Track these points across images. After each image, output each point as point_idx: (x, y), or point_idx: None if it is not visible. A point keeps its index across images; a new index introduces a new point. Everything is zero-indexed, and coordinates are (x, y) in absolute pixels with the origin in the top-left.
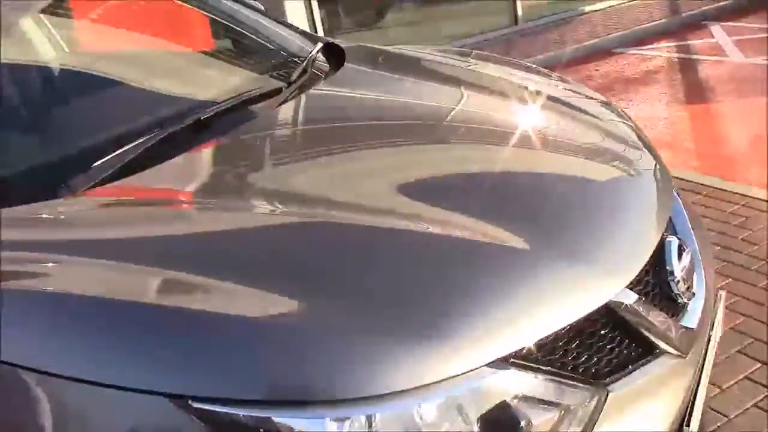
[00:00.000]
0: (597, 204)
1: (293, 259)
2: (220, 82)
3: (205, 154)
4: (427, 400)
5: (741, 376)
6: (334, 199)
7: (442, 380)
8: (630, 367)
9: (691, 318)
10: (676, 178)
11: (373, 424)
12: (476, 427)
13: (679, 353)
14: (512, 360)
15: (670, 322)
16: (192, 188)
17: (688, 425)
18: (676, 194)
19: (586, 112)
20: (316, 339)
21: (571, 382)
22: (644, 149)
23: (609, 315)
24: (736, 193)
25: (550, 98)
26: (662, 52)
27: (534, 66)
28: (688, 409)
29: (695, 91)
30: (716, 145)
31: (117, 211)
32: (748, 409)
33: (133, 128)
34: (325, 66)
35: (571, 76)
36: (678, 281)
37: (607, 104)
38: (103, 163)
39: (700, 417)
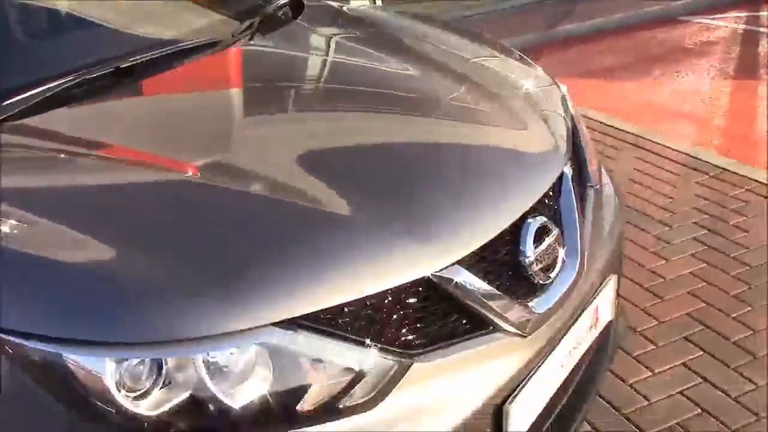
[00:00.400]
0: (452, 178)
1: (117, 208)
2: (167, 27)
3: (114, 100)
4: (213, 350)
5: (677, 362)
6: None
7: (227, 333)
8: (446, 341)
9: (544, 301)
10: (686, 155)
11: (163, 370)
12: (264, 383)
13: (518, 332)
14: (305, 322)
15: (510, 301)
16: (78, 134)
17: (510, 403)
18: (593, 172)
19: (502, 88)
20: (112, 284)
21: (366, 349)
22: (548, 130)
23: (432, 289)
24: (743, 176)
25: (473, 71)
26: (729, 22)
27: (500, 44)
28: (518, 387)
29: (748, 66)
30: (744, 125)
31: None
32: (673, 395)
33: (57, 69)
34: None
35: (626, 43)
36: (531, 263)
37: (544, 84)
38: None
39: (547, 397)
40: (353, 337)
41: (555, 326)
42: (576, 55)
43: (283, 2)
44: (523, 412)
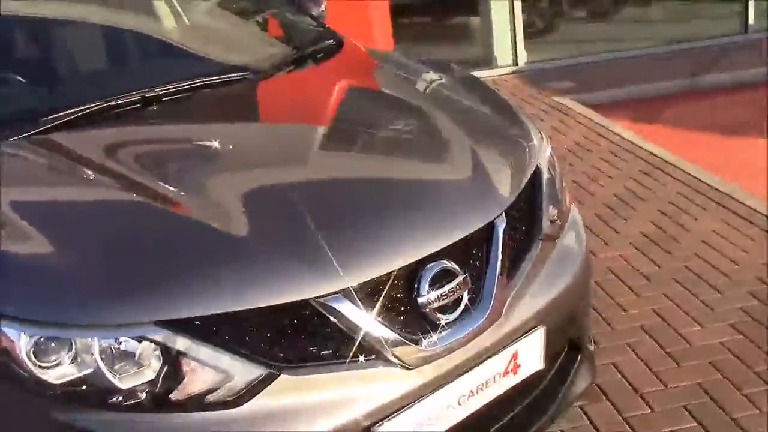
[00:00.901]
0: (366, 214)
1: (78, 217)
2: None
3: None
4: (103, 337)
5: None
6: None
7: (115, 324)
8: (321, 360)
9: (438, 340)
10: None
11: (73, 349)
12: (149, 372)
13: (401, 364)
14: (186, 325)
15: (397, 335)
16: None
17: (378, 427)
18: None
19: (462, 136)
20: (41, 274)
21: (237, 356)
22: (488, 182)
23: (313, 312)
24: None
25: (444, 117)
26: None
27: (493, 93)
28: (390, 415)
29: None
30: None
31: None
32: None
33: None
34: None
35: None
36: (425, 304)
37: (517, 134)
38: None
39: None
40: (228, 344)
41: (448, 365)
42: (712, 106)
43: (321, 46)
44: None
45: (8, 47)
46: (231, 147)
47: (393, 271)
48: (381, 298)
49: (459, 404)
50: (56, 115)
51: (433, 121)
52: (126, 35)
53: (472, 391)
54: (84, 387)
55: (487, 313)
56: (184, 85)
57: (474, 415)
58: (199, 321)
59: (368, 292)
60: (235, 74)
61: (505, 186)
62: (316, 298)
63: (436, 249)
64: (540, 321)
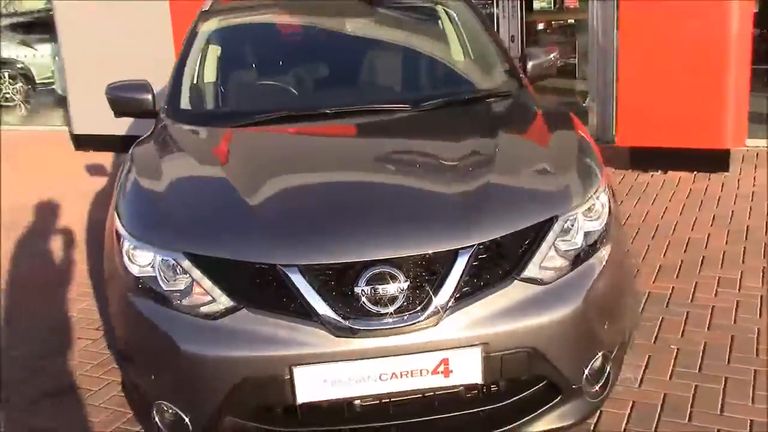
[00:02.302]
0: (354, 211)
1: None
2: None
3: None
4: (156, 253)
5: None
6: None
7: (162, 247)
8: (271, 308)
9: (368, 323)
10: None
11: (150, 256)
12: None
13: (329, 331)
14: (196, 259)
15: (333, 310)
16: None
17: (297, 367)
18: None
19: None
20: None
21: (221, 290)
22: (465, 213)
23: (277, 274)
24: None
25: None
26: None
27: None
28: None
29: None
30: None
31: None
32: None
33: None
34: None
35: None
36: (359, 295)
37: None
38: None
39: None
40: (219, 280)
41: (372, 345)
42: None
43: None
44: (312, 379)
45: (263, 59)
46: (335, 153)
47: (345, 262)
48: (327, 279)
49: (380, 379)
50: (264, 115)
51: (481, 153)
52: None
53: (395, 374)
54: (147, 281)
55: (421, 319)
56: (362, 107)
57: (400, 397)
58: (205, 259)
59: (318, 271)
60: (399, 105)
61: (486, 227)
62: (282, 264)
63: (387, 257)
64: (480, 343)
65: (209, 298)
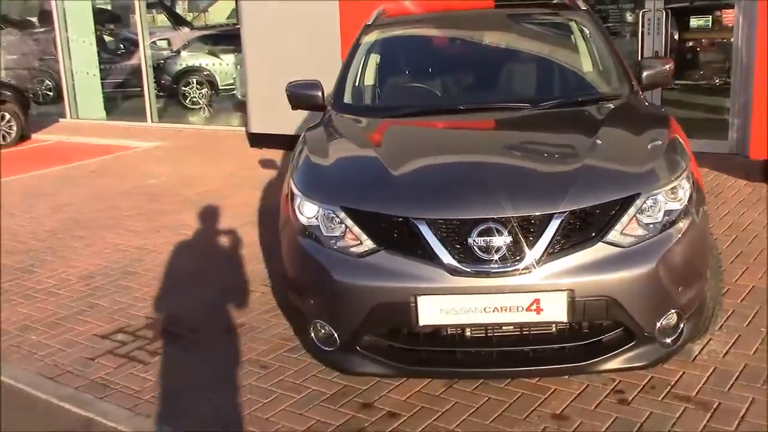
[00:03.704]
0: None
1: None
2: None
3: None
4: (319, 207)
5: None
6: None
7: (324, 202)
8: (404, 251)
9: (476, 266)
10: None
11: (315, 209)
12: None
13: (446, 271)
14: (350, 211)
15: (450, 254)
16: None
17: (421, 297)
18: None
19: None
20: (314, 172)
21: (367, 236)
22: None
23: (410, 225)
24: None
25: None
26: None
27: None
28: (432, 293)
29: None
30: None
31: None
32: None
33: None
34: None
35: None
36: (472, 245)
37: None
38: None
39: (462, 320)
40: (366, 228)
41: (479, 284)
42: None
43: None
44: (431, 307)
45: (413, 65)
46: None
47: (462, 218)
48: (448, 231)
49: (484, 311)
50: (407, 109)
51: (583, 142)
52: (503, 72)
53: (496, 308)
54: (312, 229)
55: (519, 267)
56: (489, 105)
57: (497, 328)
58: (356, 212)
59: (441, 225)
60: (522, 104)
61: (577, 198)
62: (413, 217)
63: (494, 216)
64: (566, 289)
65: (357, 241)
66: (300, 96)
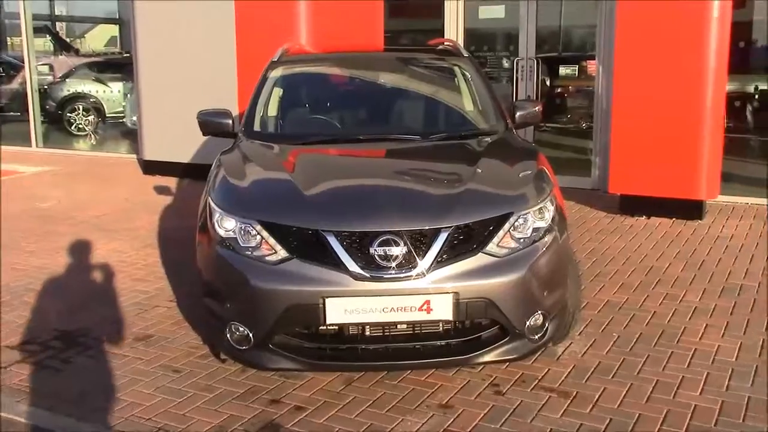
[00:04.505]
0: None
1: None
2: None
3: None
4: (237, 221)
5: None
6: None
7: (241, 216)
8: (313, 259)
9: (375, 272)
10: None
11: (233, 223)
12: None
13: (351, 276)
14: (266, 224)
15: (354, 261)
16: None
17: (328, 299)
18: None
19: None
20: (232, 190)
21: (280, 246)
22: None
23: (320, 236)
24: None
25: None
26: None
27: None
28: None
29: None
30: None
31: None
32: None
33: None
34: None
35: None
36: (372, 254)
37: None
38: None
39: (363, 319)
40: (279, 239)
41: (379, 288)
42: None
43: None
44: (337, 308)
45: (321, 97)
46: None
47: (365, 231)
48: (352, 242)
49: (383, 311)
50: (313, 138)
51: (466, 170)
52: (394, 107)
53: (393, 308)
54: (230, 240)
55: (412, 273)
56: (383, 136)
57: (392, 326)
58: (271, 225)
59: (347, 236)
60: (413, 136)
61: (461, 215)
62: (322, 229)
63: (392, 229)
64: (452, 291)
65: (272, 251)
66: (211, 123)
